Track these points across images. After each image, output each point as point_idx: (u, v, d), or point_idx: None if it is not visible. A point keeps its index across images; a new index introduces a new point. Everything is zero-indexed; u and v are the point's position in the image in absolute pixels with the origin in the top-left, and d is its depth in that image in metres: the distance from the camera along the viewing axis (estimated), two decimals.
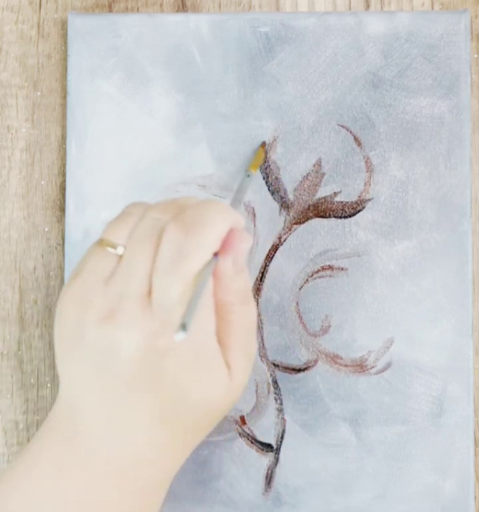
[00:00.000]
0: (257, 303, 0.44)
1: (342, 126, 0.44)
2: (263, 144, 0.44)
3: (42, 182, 0.46)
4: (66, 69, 0.46)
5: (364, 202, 0.44)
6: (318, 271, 0.44)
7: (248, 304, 0.37)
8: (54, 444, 0.35)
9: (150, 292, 0.34)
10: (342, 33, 0.44)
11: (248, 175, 0.43)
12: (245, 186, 0.42)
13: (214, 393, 0.35)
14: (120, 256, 0.35)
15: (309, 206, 0.44)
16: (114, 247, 0.35)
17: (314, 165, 0.44)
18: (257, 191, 0.44)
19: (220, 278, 0.35)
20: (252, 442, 0.44)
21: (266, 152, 0.44)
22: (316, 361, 0.44)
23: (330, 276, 0.44)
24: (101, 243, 0.36)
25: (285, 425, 0.44)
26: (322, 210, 0.44)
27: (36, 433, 0.37)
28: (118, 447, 0.35)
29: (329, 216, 0.44)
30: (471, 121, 0.44)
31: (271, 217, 0.44)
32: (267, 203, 0.44)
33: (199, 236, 0.34)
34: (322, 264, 0.44)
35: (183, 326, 0.31)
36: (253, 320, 0.37)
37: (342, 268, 0.44)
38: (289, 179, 0.44)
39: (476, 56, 0.46)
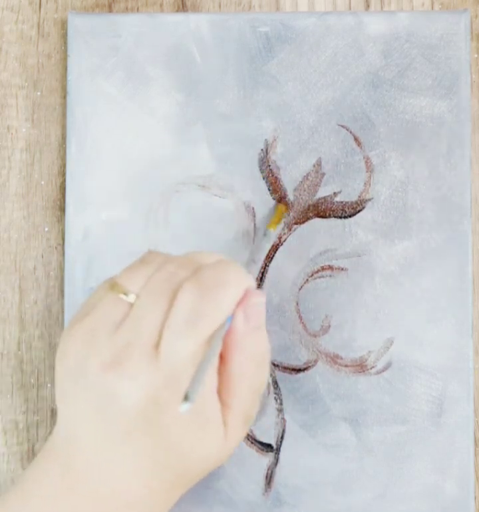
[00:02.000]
0: None
1: (342, 126, 0.44)
2: (282, 203, 0.44)
3: (42, 182, 0.46)
4: (66, 69, 0.46)
5: (364, 202, 0.44)
6: (318, 271, 0.44)
7: (262, 367, 0.36)
8: (48, 475, 0.35)
9: (157, 345, 0.34)
10: (342, 33, 0.44)
11: (265, 234, 0.42)
12: (262, 245, 0.42)
13: (208, 451, 0.36)
14: (131, 305, 0.35)
15: (309, 206, 0.44)
16: (126, 293, 0.35)
17: (314, 165, 0.44)
18: (257, 191, 0.44)
19: (231, 334, 0.35)
20: (252, 442, 0.44)
21: (287, 208, 0.44)
22: (316, 361, 0.44)
23: (330, 276, 0.44)
24: (114, 287, 0.36)
25: (285, 425, 0.44)
26: (322, 210, 0.44)
27: (32, 461, 0.37)
28: (111, 488, 0.35)
29: (329, 216, 0.44)
30: (471, 121, 0.44)
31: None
32: (267, 203, 0.44)
33: (216, 299, 0.34)
34: (322, 265, 0.44)
35: (187, 397, 0.32)
36: (261, 385, 0.37)
37: (342, 269, 0.44)
38: (289, 179, 0.44)
39: (476, 56, 0.46)
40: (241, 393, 0.35)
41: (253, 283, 0.36)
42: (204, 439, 0.35)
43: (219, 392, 0.35)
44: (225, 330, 0.34)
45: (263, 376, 0.37)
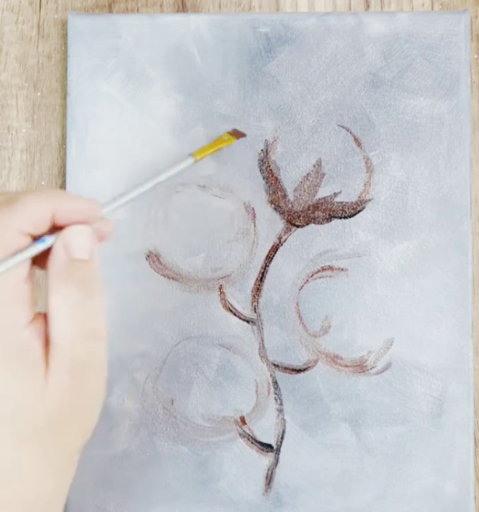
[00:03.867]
0: (258, 303, 0.44)
1: (342, 127, 0.44)
2: (236, 133, 0.43)
3: (43, 182, 0.46)
4: (66, 69, 0.46)
5: (364, 202, 0.44)
6: (318, 272, 0.44)
7: (91, 302, 0.33)
8: None
9: None
10: (342, 33, 0.44)
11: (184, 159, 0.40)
12: (179, 167, 0.39)
13: (21, 393, 0.31)
14: None
15: (309, 206, 0.44)
16: None
17: (314, 166, 0.44)
18: (257, 191, 0.44)
19: (52, 263, 0.33)
20: (252, 442, 0.44)
21: (237, 137, 0.43)
22: (316, 361, 0.44)
23: (330, 276, 0.44)
24: None
25: (285, 426, 0.44)
26: (322, 210, 0.44)
27: None
28: None
29: (329, 216, 0.44)
30: (471, 121, 0.44)
31: (271, 218, 0.44)
32: (267, 203, 0.44)
33: (3, 215, 0.32)
34: (322, 265, 0.44)
35: None
36: (95, 326, 0.33)
37: (342, 269, 0.44)
38: (289, 180, 0.44)
39: (476, 56, 0.46)
40: (66, 330, 0.32)
41: (63, 202, 0.33)
42: (18, 376, 0.31)
43: (48, 330, 0.32)
44: (25, 251, 0.32)
45: (96, 315, 0.33)
